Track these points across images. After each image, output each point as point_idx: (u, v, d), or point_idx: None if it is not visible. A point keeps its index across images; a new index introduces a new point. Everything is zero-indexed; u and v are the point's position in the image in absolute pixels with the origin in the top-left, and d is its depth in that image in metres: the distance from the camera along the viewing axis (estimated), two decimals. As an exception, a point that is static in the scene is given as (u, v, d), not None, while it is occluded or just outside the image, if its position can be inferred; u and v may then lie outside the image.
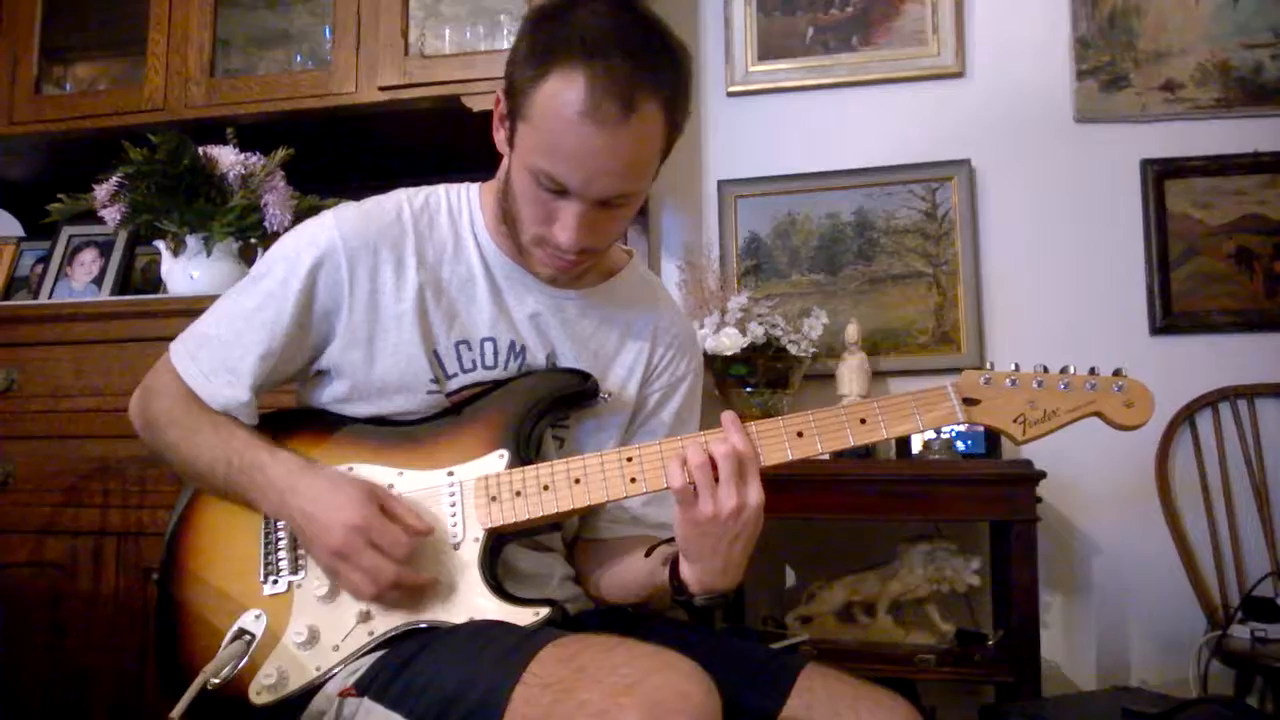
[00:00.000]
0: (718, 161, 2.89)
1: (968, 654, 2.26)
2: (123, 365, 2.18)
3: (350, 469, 1.28)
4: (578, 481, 1.24)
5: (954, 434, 2.34)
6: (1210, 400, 2.53)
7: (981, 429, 2.33)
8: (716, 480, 1.14)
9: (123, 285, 2.64)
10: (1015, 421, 1.21)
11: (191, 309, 1.40)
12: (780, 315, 2.52)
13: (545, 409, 1.32)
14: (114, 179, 2.27)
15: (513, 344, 1.35)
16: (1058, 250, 2.67)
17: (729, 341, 2.43)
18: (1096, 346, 2.55)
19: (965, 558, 2.33)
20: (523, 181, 1.22)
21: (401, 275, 1.31)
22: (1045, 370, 1.22)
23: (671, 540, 1.23)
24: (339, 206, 1.35)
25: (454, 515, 1.25)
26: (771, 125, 2.87)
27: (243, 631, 1.22)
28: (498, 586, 1.22)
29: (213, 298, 1.41)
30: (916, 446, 2.37)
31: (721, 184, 2.86)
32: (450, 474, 1.27)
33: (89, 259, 2.67)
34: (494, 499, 1.25)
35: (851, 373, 2.55)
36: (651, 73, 1.14)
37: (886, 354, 2.71)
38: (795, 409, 1.25)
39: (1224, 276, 2.59)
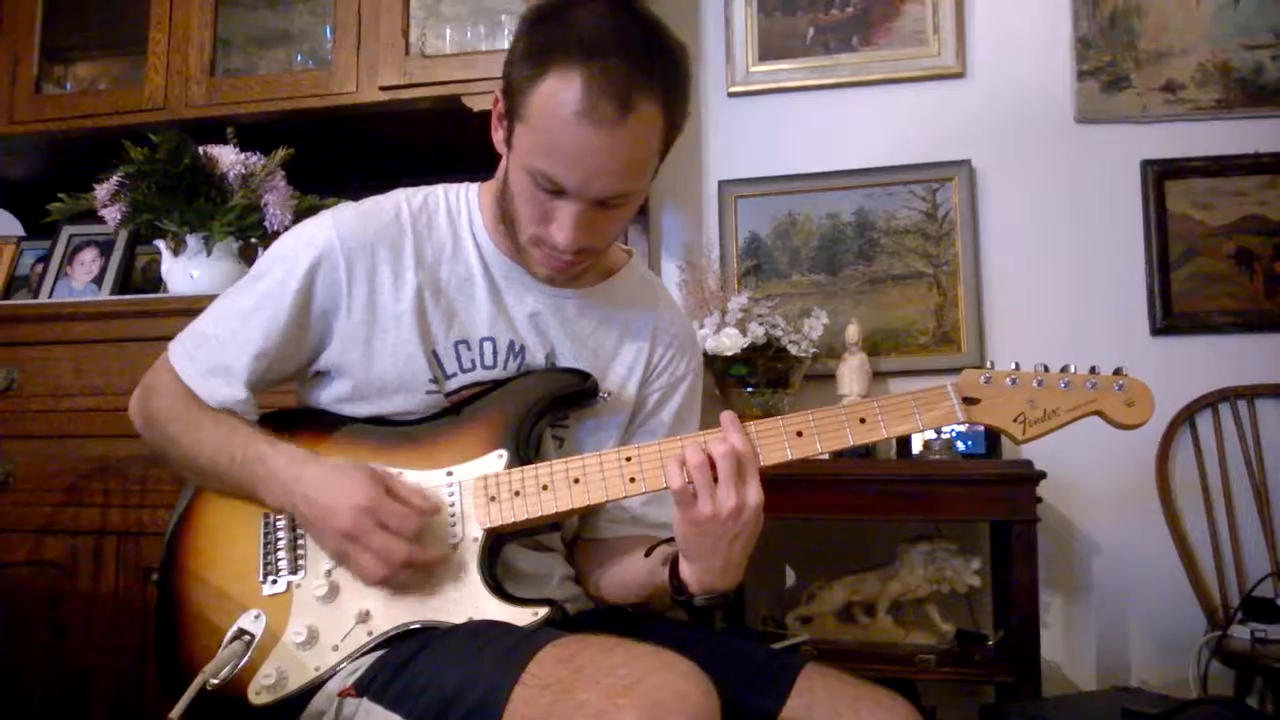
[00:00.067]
0: (718, 162, 2.89)
1: (968, 654, 2.26)
2: (123, 365, 2.18)
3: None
4: (577, 481, 1.24)
5: (954, 434, 2.34)
6: (1210, 401, 2.53)
7: (982, 429, 2.34)
8: (716, 480, 1.14)
9: (123, 285, 2.64)
10: (1015, 421, 1.21)
11: (192, 308, 1.40)
12: (780, 315, 2.52)
13: (545, 409, 1.32)
14: (114, 178, 2.27)
15: (512, 343, 1.35)
16: (1058, 251, 2.67)
17: (729, 342, 2.43)
18: (1097, 347, 2.54)
19: (965, 558, 2.33)
20: (520, 181, 1.22)
21: (400, 275, 1.31)
22: (1045, 369, 1.22)
23: (671, 540, 1.23)
24: (337, 207, 1.35)
25: (453, 515, 1.25)
26: (772, 125, 2.87)
27: (242, 631, 1.22)
28: (497, 586, 1.22)
29: (213, 297, 1.41)
30: (917, 447, 2.37)
31: (722, 184, 2.86)
32: (449, 474, 1.27)
33: (89, 258, 2.67)
34: (493, 499, 1.24)
35: (852, 373, 2.55)
36: (649, 73, 1.14)
37: (887, 354, 2.71)
38: (796, 409, 1.24)
39: (1224, 277, 2.59)
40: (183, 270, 2.30)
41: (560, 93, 1.12)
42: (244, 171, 2.29)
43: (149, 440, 1.38)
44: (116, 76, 2.80)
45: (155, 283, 2.58)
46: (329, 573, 1.24)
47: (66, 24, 2.72)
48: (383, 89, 2.42)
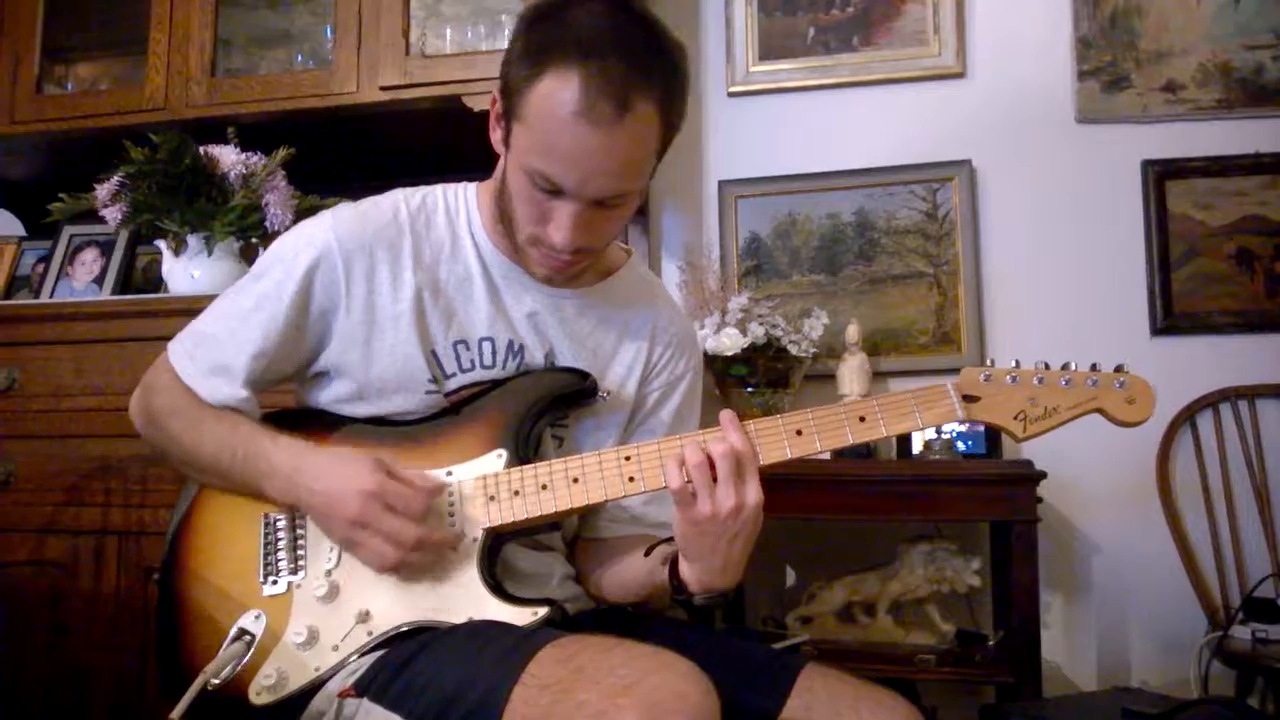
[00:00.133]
0: (718, 162, 2.89)
1: (968, 654, 2.26)
2: (123, 364, 2.18)
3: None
4: (576, 481, 1.24)
5: (954, 434, 2.34)
6: (1211, 401, 2.53)
7: (982, 429, 2.34)
8: (715, 480, 1.14)
9: (124, 285, 2.64)
10: (1016, 419, 1.21)
11: (192, 308, 1.40)
12: (781, 315, 2.52)
13: (544, 408, 1.32)
14: (115, 178, 2.27)
15: (511, 343, 1.35)
16: (1058, 251, 2.67)
17: (729, 342, 2.43)
18: (1097, 347, 2.50)
19: (965, 558, 2.33)
20: (518, 181, 1.22)
21: (398, 276, 1.31)
22: (1046, 367, 1.22)
23: (671, 539, 1.23)
24: (336, 207, 1.36)
25: (452, 515, 1.25)
26: (772, 125, 2.87)
27: (243, 632, 1.22)
28: (496, 586, 1.22)
29: (213, 297, 1.41)
30: (917, 446, 2.38)
31: (722, 184, 2.86)
32: (449, 473, 1.27)
33: (90, 258, 2.67)
34: (492, 498, 1.25)
35: (852, 373, 2.55)
36: (646, 72, 1.14)
37: (887, 354, 2.71)
38: (796, 409, 1.24)
39: (1225, 277, 2.59)
40: (183, 270, 2.30)
41: (558, 93, 1.12)
42: (245, 171, 2.29)
43: (150, 439, 1.38)
44: (117, 76, 2.80)
45: (156, 283, 2.58)
46: (329, 573, 1.24)
47: (67, 24, 2.73)
48: (383, 89, 2.42)
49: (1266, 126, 2.60)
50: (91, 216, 2.37)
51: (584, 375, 1.34)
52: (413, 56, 2.42)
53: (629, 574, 1.35)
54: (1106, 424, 1.22)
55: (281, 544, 1.28)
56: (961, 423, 1.23)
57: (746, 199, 2.84)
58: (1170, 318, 2.59)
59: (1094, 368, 1.21)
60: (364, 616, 1.21)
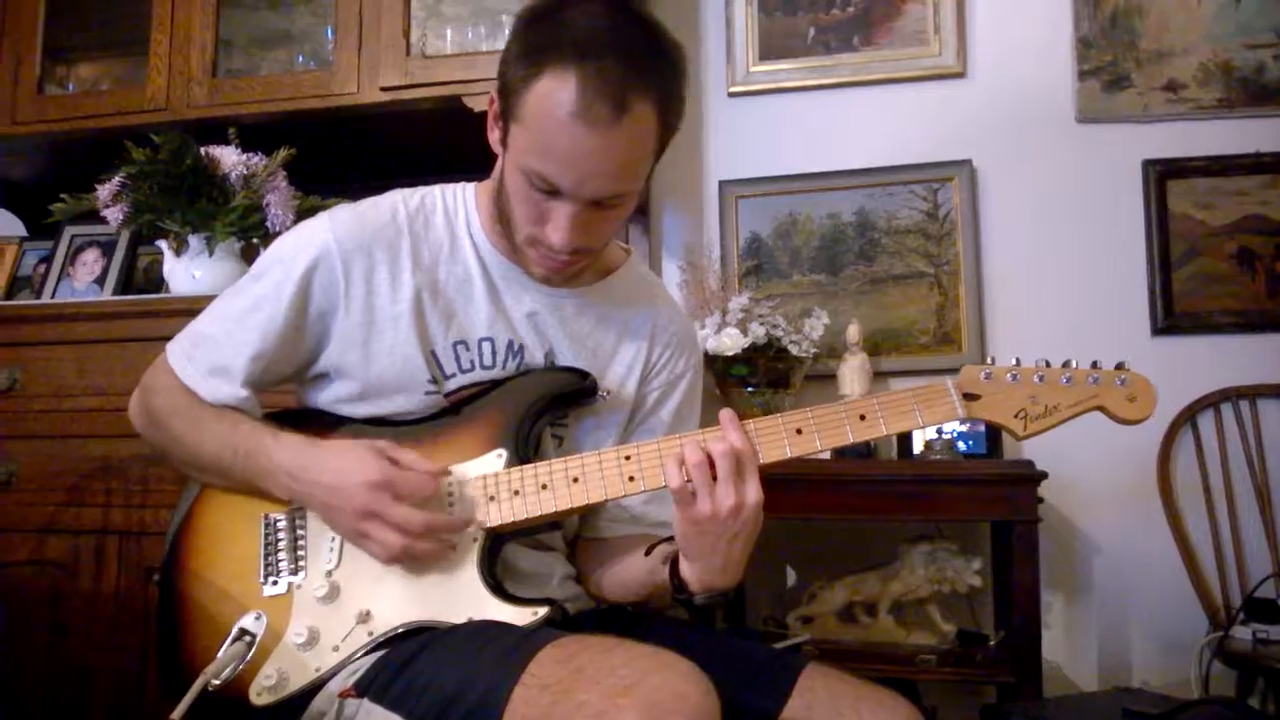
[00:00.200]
0: (719, 162, 2.89)
1: (969, 654, 2.26)
2: (125, 365, 2.18)
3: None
4: (576, 480, 1.24)
5: (955, 434, 2.34)
6: (1212, 401, 2.52)
7: (983, 429, 2.34)
8: (715, 479, 1.14)
9: (125, 285, 2.64)
10: (1016, 416, 1.20)
11: (193, 309, 1.40)
12: (781, 315, 2.52)
13: (544, 408, 1.32)
14: (116, 179, 2.27)
15: (510, 343, 1.35)
16: (1059, 250, 2.67)
17: (730, 342, 2.44)
18: (1098, 347, 2.49)
19: (966, 558, 2.33)
20: (515, 182, 1.22)
21: (397, 277, 1.31)
22: (1047, 365, 1.21)
23: (671, 539, 1.23)
24: (334, 209, 1.36)
25: (452, 515, 1.25)
26: (773, 125, 2.87)
27: (243, 632, 1.22)
28: (496, 586, 1.22)
29: (215, 298, 1.41)
30: (918, 446, 2.38)
31: (722, 184, 2.86)
32: (449, 473, 1.26)
33: (91, 259, 2.67)
34: (492, 498, 1.25)
35: (853, 373, 2.55)
36: (644, 73, 1.14)
37: (888, 354, 2.71)
38: (796, 409, 1.24)
39: (1225, 277, 2.59)
40: (185, 270, 2.30)
41: (555, 93, 1.12)
42: (246, 172, 2.29)
43: (151, 440, 1.38)
44: (118, 77, 2.81)
45: (157, 283, 2.58)
46: (329, 573, 1.24)
47: (68, 25, 2.73)
48: (384, 89, 2.42)
49: (1267, 126, 2.60)
50: (93, 217, 2.37)
51: (584, 374, 1.34)
52: (413, 57, 2.43)
53: (629, 574, 1.35)
54: (1107, 424, 1.21)
55: (282, 544, 1.28)
56: (962, 421, 1.23)
57: (747, 199, 2.84)
58: (1171, 317, 2.59)
59: (1095, 365, 1.21)
60: (364, 617, 1.21)
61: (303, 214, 2.29)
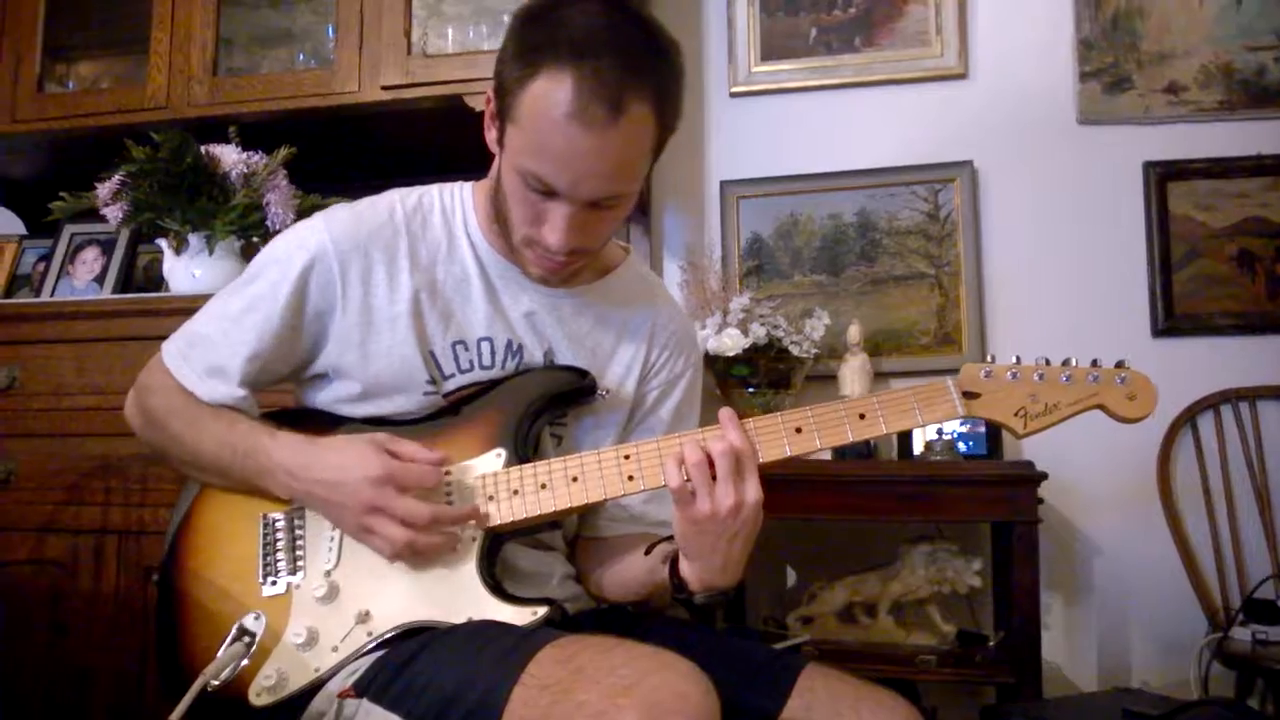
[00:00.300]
0: (720, 162, 2.89)
1: (969, 655, 2.26)
2: (124, 363, 2.18)
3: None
4: (575, 480, 1.24)
5: (956, 434, 2.34)
6: (1212, 402, 2.52)
7: (983, 430, 2.34)
8: (714, 478, 1.13)
9: (124, 283, 2.64)
10: (1016, 415, 1.20)
11: (193, 308, 1.40)
12: (782, 316, 2.52)
13: (543, 407, 1.31)
14: (116, 177, 2.27)
15: (509, 343, 1.35)
16: (1060, 252, 2.67)
17: (731, 342, 2.43)
18: (1098, 348, 2.49)
19: (966, 559, 2.33)
20: (512, 182, 1.21)
21: (395, 277, 1.31)
22: (1047, 363, 1.21)
23: (671, 538, 1.22)
24: (330, 208, 1.35)
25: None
26: (774, 126, 2.87)
27: (242, 633, 1.22)
28: (496, 586, 1.21)
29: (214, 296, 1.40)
30: (918, 447, 2.38)
31: (724, 184, 2.85)
32: (448, 473, 1.26)
33: (91, 257, 2.67)
34: (491, 498, 1.24)
35: (853, 374, 2.55)
36: (641, 73, 1.13)
37: (888, 355, 2.71)
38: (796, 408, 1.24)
39: (1226, 279, 2.59)
40: (184, 269, 2.30)
41: (551, 94, 1.11)
42: (246, 171, 2.29)
43: (148, 440, 1.38)
44: (119, 75, 2.81)
45: (157, 282, 2.58)
46: (328, 573, 1.24)
47: (69, 23, 2.73)
48: (385, 88, 2.42)
49: (1268, 128, 2.60)
50: (92, 215, 2.37)
51: (583, 373, 1.34)
52: (414, 56, 2.42)
53: (629, 573, 1.35)
54: (1107, 424, 1.21)
55: (280, 544, 1.27)
56: (962, 421, 1.22)
57: (748, 199, 2.83)
58: (1171, 319, 2.59)
59: (1095, 364, 1.20)
60: (364, 617, 1.21)
61: (303, 213, 2.29)
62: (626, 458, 1.23)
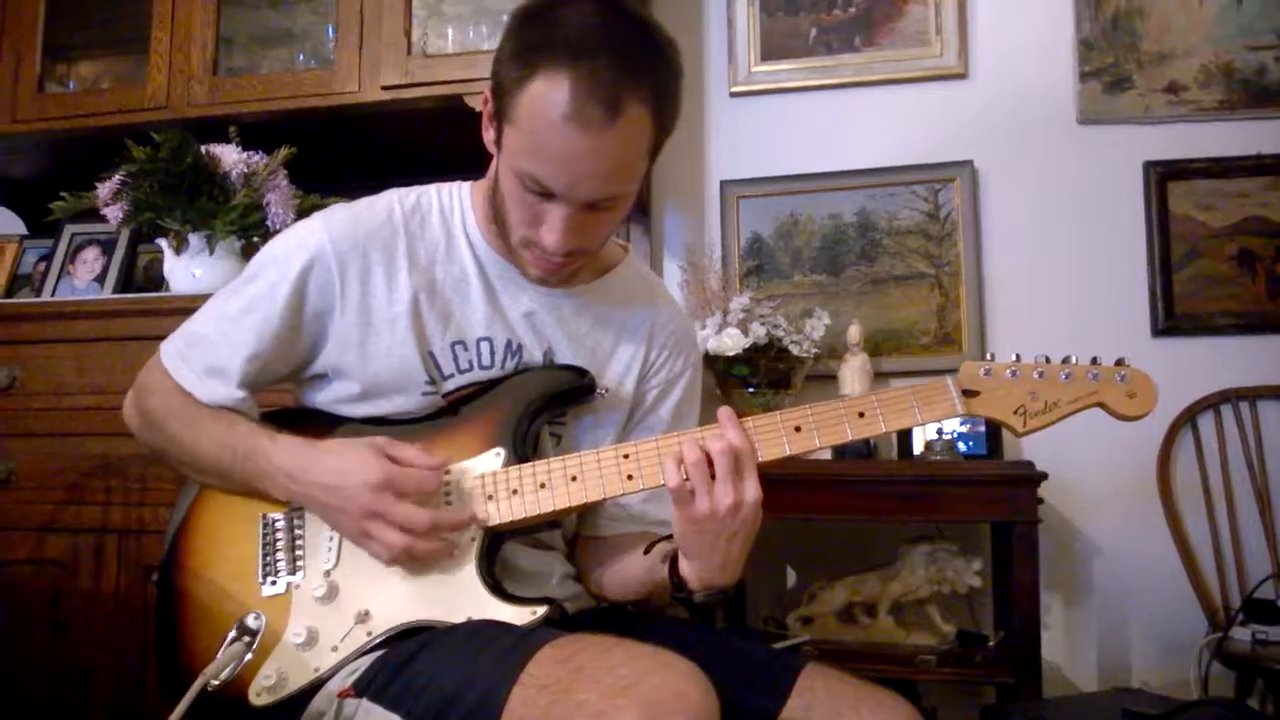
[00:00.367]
0: (720, 162, 2.89)
1: (969, 655, 2.26)
2: (125, 363, 2.18)
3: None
4: (575, 479, 1.24)
5: (956, 434, 2.34)
6: (1212, 402, 2.52)
7: (983, 429, 2.34)
8: (713, 477, 1.13)
9: (125, 283, 2.64)
10: (1016, 413, 1.20)
11: (193, 307, 1.39)
12: (782, 316, 2.52)
13: (542, 406, 1.31)
14: (116, 177, 2.27)
15: (509, 343, 1.35)
16: (1060, 251, 2.67)
17: (731, 342, 2.43)
18: (1098, 348, 2.48)
19: (966, 559, 2.33)
20: (509, 183, 1.21)
21: (393, 277, 1.31)
22: (1047, 361, 1.21)
23: (670, 537, 1.22)
24: (329, 209, 1.35)
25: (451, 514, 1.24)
26: (774, 125, 2.87)
27: (242, 633, 1.22)
28: (495, 585, 1.21)
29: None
30: (918, 447, 2.38)
31: (724, 184, 2.85)
32: (447, 473, 1.26)
33: (91, 257, 2.67)
34: (490, 498, 1.24)
35: (853, 373, 2.55)
36: (638, 74, 1.13)
37: (888, 355, 2.71)
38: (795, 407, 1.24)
39: (1226, 279, 2.59)
40: (185, 269, 2.30)
41: (547, 95, 1.11)
42: (246, 170, 2.29)
43: (146, 440, 1.38)
44: (119, 75, 2.81)
45: (157, 281, 2.58)
46: (328, 573, 1.24)
47: (69, 23, 2.73)
48: (385, 88, 2.42)
49: (1268, 128, 2.60)
50: (93, 215, 2.37)
51: (582, 372, 1.34)
52: (414, 56, 2.42)
53: (629, 572, 1.35)
54: (1107, 424, 1.21)
55: (280, 544, 1.27)
56: (962, 420, 1.22)
57: (748, 199, 2.83)
58: (1171, 319, 2.59)
59: (1095, 361, 1.20)
60: (363, 617, 1.21)
61: (303, 212, 2.29)
62: (626, 457, 1.23)
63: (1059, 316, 2.64)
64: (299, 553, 1.26)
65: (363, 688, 1.14)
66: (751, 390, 2.49)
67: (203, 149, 2.27)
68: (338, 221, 1.31)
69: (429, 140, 2.54)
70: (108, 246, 2.67)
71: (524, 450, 1.28)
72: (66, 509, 2.20)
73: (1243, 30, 2.63)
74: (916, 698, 2.22)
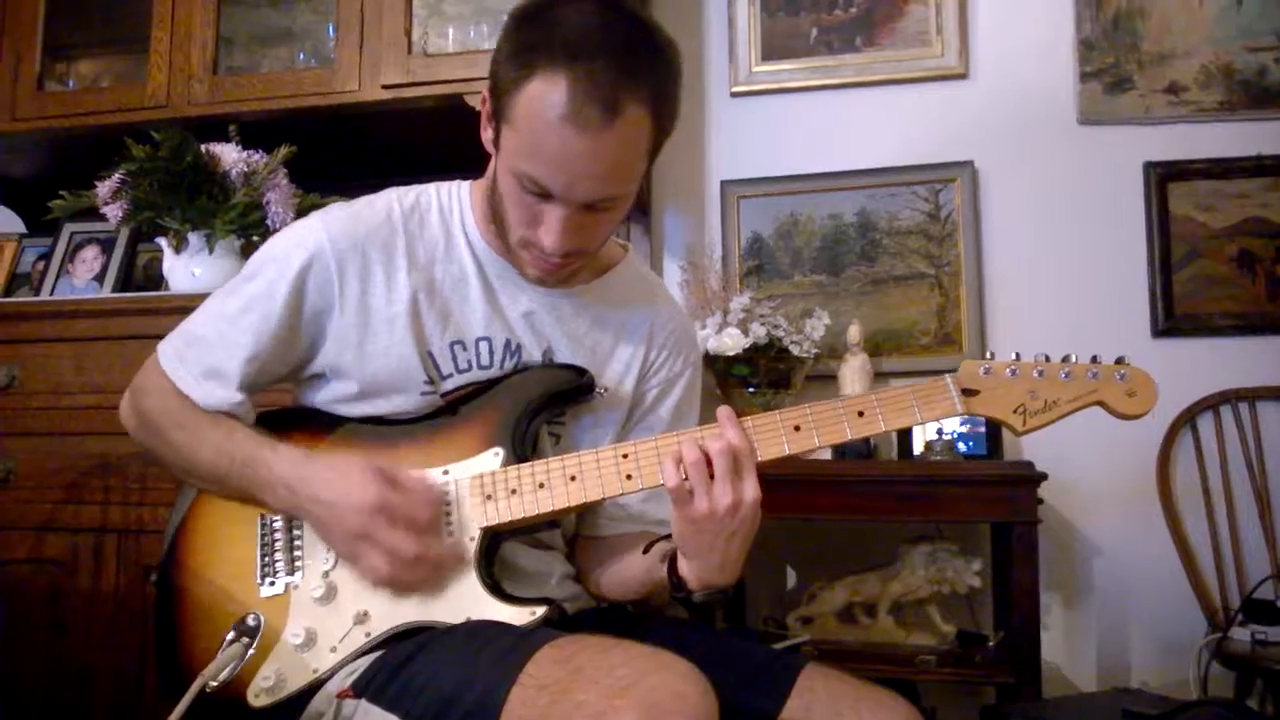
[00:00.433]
0: (720, 162, 2.89)
1: (968, 655, 2.26)
2: (124, 362, 2.18)
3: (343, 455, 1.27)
4: (573, 479, 1.23)
5: (956, 435, 2.34)
6: (1212, 403, 2.52)
7: (983, 429, 2.34)
8: (712, 477, 1.13)
9: (124, 282, 2.64)
10: (1015, 412, 1.19)
11: (192, 306, 1.39)
12: (782, 316, 2.52)
13: (541, 405, 1.31)
14: (116, 176, 2.27)
15: (508, 343, 1.34)
16: (1060, 252, 2.67)
17: (731, 342, 2.43)
18: (1098, 348, 2.47)
19: (966, 559, 2.33)
20: (507, 184, 1.21)
21: (393, 277, 1.30)
22: (1047, 359, 1.21)
23: (670, 537, 1.22)
24: (327, 208, 1.34)
25: (449, 515, 1.24)
26: (775, 125, 2.86)
27: (241, 633, 1.22)
28: (494, 585, 1.21)
29: (215, 295, 1.40)
30: (918, 447, 2.38)
31: (724, 184, 2.85)
32: (446, 472, 1.26)
33: (91, 256, 2.67)
34: (489, 497, 1.24)
35: (853, 373, 2.55)
36: (636, 74, 1.12)
37: (888, 355, 2.71)
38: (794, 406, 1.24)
39: (1226, 279, 2.59)
40: (184, 268, 2.30)
41: (545, 96, 1.10)
42: (246, 169, 2.29)
43: (143, 443, 1.37)
44: (119, 74, 2.81)
45: (157, 280, 2.58)
46: (326, 574, 1.24)
47: (69, 21, 2.73)
48: (385, 87, 2.42)
49: (1268, 129, 2.60)
50: (92, 214, 2.36)
51: (581, 371, 1.33)
52: (415, 55, 2.42)
53: (628, 572, 1.35)
54: (1107, 425, 1.21)
55: (279, 545, 1.27)
56: (962, 420, 1.22)
57: (749, 199, 2.83)
58: (1171, 319, 2.59)
59: (1095, 360, 1.20)
60: (362, 617, 1.20)
61: (303, 211, 2.28)
62: (625, 456, 1.23)
63: (1059, 317, 2.64)
64: (297, 553, 1.26)
65: (361, 688, 1.13)
66: (751, 390, 2.49)
67: (202, 148, 2.27)
68: (337, 221, 1.30)
69: (429, 139, 2.54)
70: (107, 245, 2.67)
71: (523, 450, 1.27)
72: (65, 508, 2.20)
73: (1243, 31, 2.63)
74: (916, 698, 2.22)
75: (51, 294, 2.62)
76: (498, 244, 1.32)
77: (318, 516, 1.22)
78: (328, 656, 1.20)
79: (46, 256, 2.71)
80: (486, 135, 1.26)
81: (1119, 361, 1.20)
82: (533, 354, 1.35)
